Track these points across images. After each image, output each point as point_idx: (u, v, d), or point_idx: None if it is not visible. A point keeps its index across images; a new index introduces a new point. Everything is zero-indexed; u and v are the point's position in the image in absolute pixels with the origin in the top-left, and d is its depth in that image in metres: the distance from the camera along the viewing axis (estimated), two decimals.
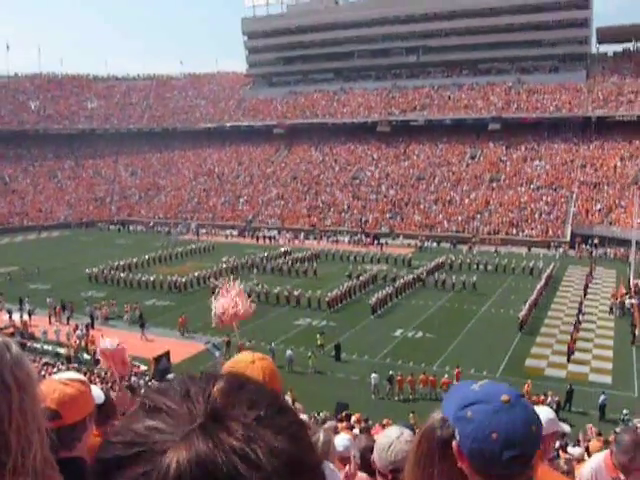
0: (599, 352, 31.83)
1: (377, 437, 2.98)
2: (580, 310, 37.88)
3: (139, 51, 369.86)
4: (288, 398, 17.98)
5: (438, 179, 76.48)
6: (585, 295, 42.23)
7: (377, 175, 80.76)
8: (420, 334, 35.02)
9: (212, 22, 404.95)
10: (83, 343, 33.08)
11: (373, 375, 27.09)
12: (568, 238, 61.09)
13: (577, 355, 30.85)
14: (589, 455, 11.87)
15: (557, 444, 10.84)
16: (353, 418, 18.02)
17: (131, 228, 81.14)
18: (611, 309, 39.10)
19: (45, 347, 33.33)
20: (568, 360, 30.28)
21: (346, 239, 66.77)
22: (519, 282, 46.68)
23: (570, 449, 12.08)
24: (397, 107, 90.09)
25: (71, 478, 1.68)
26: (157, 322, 37.55)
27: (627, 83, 79.12)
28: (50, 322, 37.73)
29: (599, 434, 17.27)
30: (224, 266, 50.37)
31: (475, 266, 51.34)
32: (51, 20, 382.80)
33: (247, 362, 2.39)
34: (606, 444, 11.78)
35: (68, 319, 38.06)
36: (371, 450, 3.37)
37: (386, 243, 63.52)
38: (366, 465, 3.58)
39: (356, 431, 11.44)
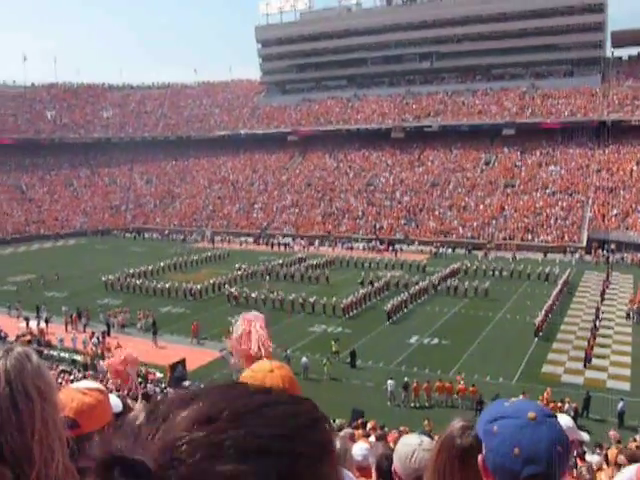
0: (617, 358, 31.50)
1: (396, 445, 2.95)
2: (597, 316, 37.55)
3: (154, 60, 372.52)
4: None
5: (453, 185, 76.24)
6: (602, 301, 41.85)
7: (391, 181, 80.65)
8: (436, 341, 34.86)
9: (226, 30, 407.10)
10: (99, 351, 33.23)
11: (389, 382, 26.98)
12: (584, 243, 60.61)
13: (594, 361, 30.57)
14: (607, 463, 11.75)
15: (575, 452, 10.73)
16: (368, 425, 17.94)
17: (146, 236, 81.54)
18: (628, 315, 38.67)
19: (62, 355, 33.49)
20: (585, 366, 30.03)
21: (361, 245, 66.72)
22: (535, 288, 46.35)
23: (588, 457, 11.97)
24: (411, 113, 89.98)
25: None
26: (172, 329, 37.65)
27: None
28: (66, 330, 37.95)
29: (618, 442, 17.08)
30: (238, 273, 50.53)
31: (491, 272, 51.10)
32: (67, 30, 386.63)
33: (265, 371, 2.38)
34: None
35: (85, 327, 38.26)
36: (387, 458, 3.35)
37: (401, 249, 63.42)
38: (382, 473, 3.55)
39: (372, 439, 11.40)
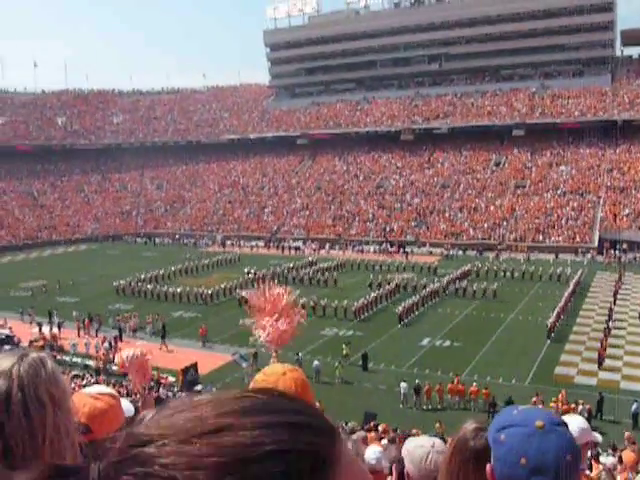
0: (630, 359, 31.24)
1: (408, 448, 2.93)
2: (610, 316, 37.31)
3: (163, 65, 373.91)
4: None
5: (463, 186, 76.06)
6: (615, 301, 41.59)
7: (401, 184, 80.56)
8: (447, 343, 34.73)
9: (234, 35, 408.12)
10: (111, 355, 33.33)
11: (402, 384, 26.87)
12: (596, 244, 60.28)
13: (608, 362, 30.34)
14: (622, 465, 11.66)
15: (589, 454, 10.67)
16: (380, 428, 17.91)
17: (157, 241, 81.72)
18: None
19: (74, 359, 33.70)
20: (599, 367, 29.83)
21: (371, 248, 66.64)
22: (547, 289, 46.13)
23: (602, 458, 11.90)
24: (420, 115, 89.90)
25: None
26: (184, 334, 37.70)
27: None
28: (79, 335, 38.09)
29: (633, 443, 16.95)
30: (249, 277, 50.49)
31: (502, 273, 50.92)
32: (77, 36, 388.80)
33: (278, 374, 2.39)
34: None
35: (97, 331, 38.40)
36: (399, 461, 3.33)
37: (412, 252, 63.27)
38: (401, 477, 3.53)
39: (384, 441, 11.37)
